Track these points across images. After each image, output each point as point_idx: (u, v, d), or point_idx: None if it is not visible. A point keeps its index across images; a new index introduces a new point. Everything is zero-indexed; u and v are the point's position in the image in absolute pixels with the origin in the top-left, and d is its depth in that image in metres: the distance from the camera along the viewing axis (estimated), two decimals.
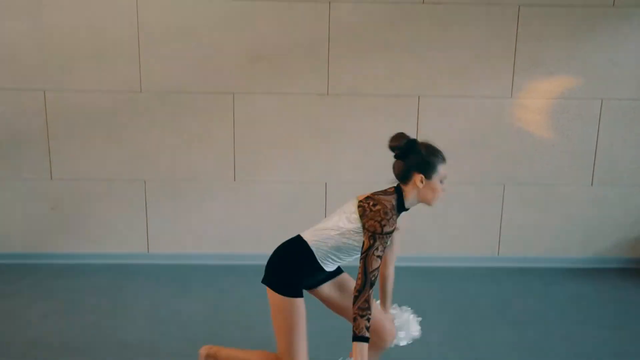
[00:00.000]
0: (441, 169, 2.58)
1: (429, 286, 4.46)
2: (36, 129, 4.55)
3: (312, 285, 2.81)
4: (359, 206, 2.59)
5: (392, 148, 2.60)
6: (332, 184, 4.70)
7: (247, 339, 3.64)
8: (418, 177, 2.57)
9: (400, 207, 2.62)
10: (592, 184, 4.74)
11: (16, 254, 4.75)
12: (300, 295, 2.64)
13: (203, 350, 2.95)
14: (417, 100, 4.55)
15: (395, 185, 2.67)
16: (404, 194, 2.62)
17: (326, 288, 2.85)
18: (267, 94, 4.52)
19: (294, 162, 4.66)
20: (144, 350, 3.53)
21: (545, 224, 4.81)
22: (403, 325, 2.93)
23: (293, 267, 2.66)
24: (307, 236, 2.68)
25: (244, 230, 4.76)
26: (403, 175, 2.60)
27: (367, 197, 2.61)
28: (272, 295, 2.66)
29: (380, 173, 4.63)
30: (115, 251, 4.78)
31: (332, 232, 2.62)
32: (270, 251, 4.84)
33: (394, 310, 2.96)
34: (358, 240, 2.60)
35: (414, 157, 2.57)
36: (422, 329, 3.77)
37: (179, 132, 4.58)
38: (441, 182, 2.60)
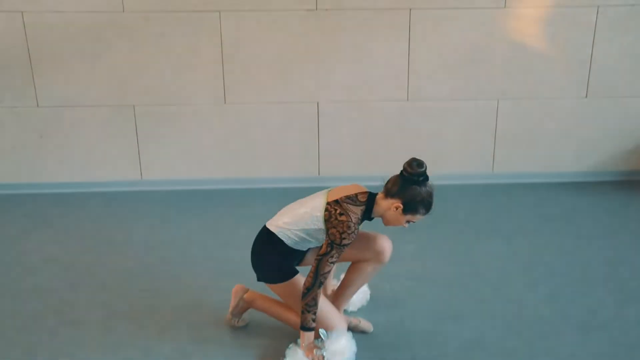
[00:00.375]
0: (417, 216, 2.67)
1: None
2: (17, 54, 4.39)
3: (299, 262, 2.93)
4: (326, 209, 2.67)
5: (407, 172, 2.63)
6: (324, 103, 4.62)
7: (245, 258, 3.66)
8: (397, 203, 2.64)
9: (366, 216, 2.72)
10: (586, 96, 4.68)
11: (8, 184, 4.71)
12: (296, 272, 2.82)
13: (239, 290, 3.05)
14: (409, 13, 4.41)
15: (369, 193, 2.73)
16: (375, 204, 2.71)
17: (311, 256, 2.96)
18: (254, 11, 4.37)
19: (285, 82, 4.56)
20: (144, 274, 3.57)
21: (540, 138, 4.77)
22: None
23: (275, 258, 2.81)
24: (273, 227, 2.79)
25: (238, 153, 4.71)
26: (391, 192, 2.66)
27: (336, 202, 2.67)
28: (274, 287, 2.85)
29: (373, 92, 4.60)
30: (108, 179, 4.74)
31: (296, 227, 2.74)
32: (264, 174, 4.82)
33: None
34: (320, 239, 2.73)
35: (412, 191, 2.62)
36: (416, 247, 3.84)
37: (166, 53, 4.45)
38: (408, 221, 2.68)
